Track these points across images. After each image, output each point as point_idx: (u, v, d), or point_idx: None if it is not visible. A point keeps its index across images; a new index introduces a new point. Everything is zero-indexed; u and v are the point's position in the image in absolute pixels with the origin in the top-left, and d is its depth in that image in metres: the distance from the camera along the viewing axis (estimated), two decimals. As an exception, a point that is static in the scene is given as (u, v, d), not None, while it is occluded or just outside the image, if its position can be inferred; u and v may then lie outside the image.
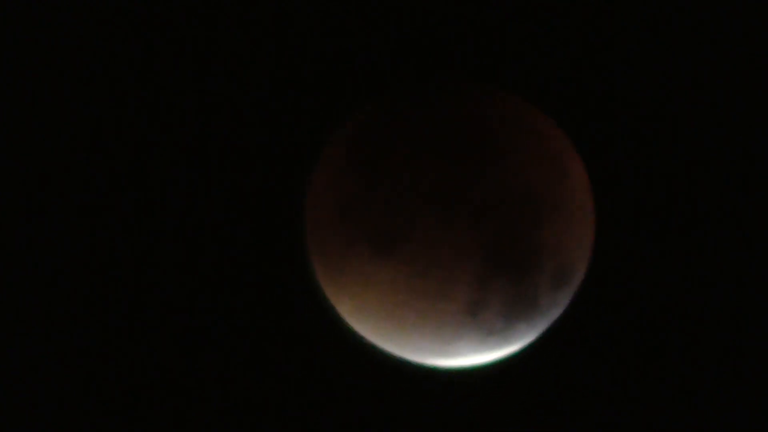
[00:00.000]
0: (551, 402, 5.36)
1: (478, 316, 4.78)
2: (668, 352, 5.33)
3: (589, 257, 5.10)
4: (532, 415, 5.35)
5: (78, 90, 5.08)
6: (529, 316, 4.91)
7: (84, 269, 5.15)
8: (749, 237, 5.26)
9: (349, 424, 5.30)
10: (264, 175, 5.08)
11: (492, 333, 4.88)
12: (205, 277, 5.16)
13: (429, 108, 4.74)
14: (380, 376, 5.25)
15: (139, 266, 5.13)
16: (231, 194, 5.10)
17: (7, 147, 5.03)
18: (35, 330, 5.13)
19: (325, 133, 4.92)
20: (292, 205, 5.04)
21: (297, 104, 5.07)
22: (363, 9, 5.02)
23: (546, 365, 5.33)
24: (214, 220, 5.11)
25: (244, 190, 5.08)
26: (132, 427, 5.21)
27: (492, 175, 4.61)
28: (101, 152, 5.09)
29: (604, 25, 5.20)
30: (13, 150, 5.02)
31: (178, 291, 5.18)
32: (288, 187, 5.07)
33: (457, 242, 4.61)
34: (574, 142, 5.03)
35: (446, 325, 4.80)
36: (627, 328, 5.34)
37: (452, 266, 4.65)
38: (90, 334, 5.19)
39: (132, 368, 5.21)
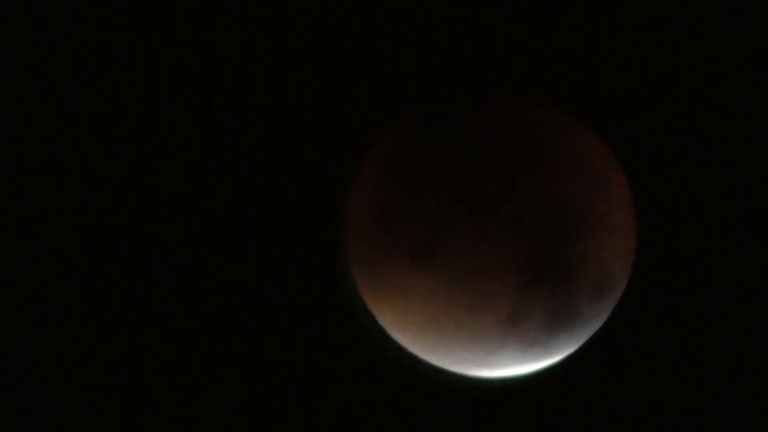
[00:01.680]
0: (592, 412, 5.34)
1: (520, 326, 4.80)
2: (710, 363, 5.30)
3: (631, 268, 5.10)
4: (574, 425, 5.33)
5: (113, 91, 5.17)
6: (571, 327, 4.91)
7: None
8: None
9: (392, 434, 5.32)
10: (303, 186, 5.12)
11: (534, 343, 4.89)
12: (245, 289, 5.20)
13: (469, 117, 4.77)
14: (422, 387, 5.27)
15: (178, 282, 5.19)
16: (269, 206, 5.14)
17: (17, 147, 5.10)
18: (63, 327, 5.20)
19: (366, 142, 4.96)
20: (333, 216, 5.08)
21: (338, 113, 5.10)
22: (405, 19, 5.06)
23: (588, 375, 5.31)
24: (254, 230, 5.16)
25: (284, 202, 5.13)
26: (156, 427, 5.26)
27: (532, 185, 4.64)
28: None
29: (652, 38, 5.20)
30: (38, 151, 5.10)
31: (214, 303, 5.22)
32: (328, 198, 5.11)
33: (497, 252, 4.64)
34: (617, 154, 5.04)
35: (487, 336, 4.82)
36: (669, 339, 5.32)
37: (493, 276, 4.67)
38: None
39: (157, 374, 5.27)
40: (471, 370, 5.10)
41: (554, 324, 4.86)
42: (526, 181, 4.64)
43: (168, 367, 5.20)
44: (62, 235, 5.13)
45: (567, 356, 5.17)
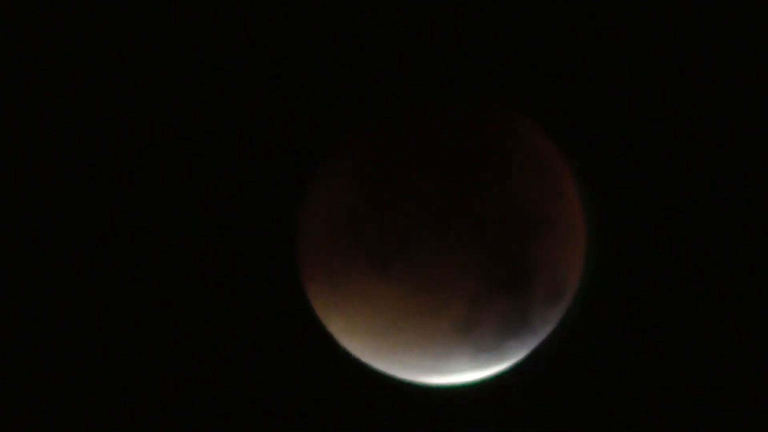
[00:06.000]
0: (541, 419, 5.34)
1: (470, 333, 4.74)
2: (657, 370, 5.34)
3: (580, 276, 5.09)
4: (523, 433, 5.33)
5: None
6: (520, 334, 4.88)
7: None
8: (743, 249, 5.29)
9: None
10: (261, 185, 5.02)
11: (483, 350, 4.85)
12: (194, 288, 5.08)
13: (430, 123, 4.71)
14: (371, 395, 5.20)
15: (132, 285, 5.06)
16: (223, 206, 5.04)
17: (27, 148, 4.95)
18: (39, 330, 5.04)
19: (328, 144, 4.88)
20: (287, 217, 4.98)
21: (299, 115, 5.02)
22: (372, 22, 5.00)
23: (537, 382, 5.31)
24: (205, 228, 5.05)
25: (240, 200, 5.02)
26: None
27: (491, 191, 4.58)
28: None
29: (602, 44, 5.22)
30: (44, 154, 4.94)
31: (165, 305, 5.10)
32: (284, 199, 5.01)
33: (454, 259, 4.57)
34: (570, 159, 5.03)
35: (438, 343, 4.75)
36: (616, 347, 5.34)
37: (447, 284, 4.61)
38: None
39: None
40: (421, 377, 5.03)
41: (504, 331, 4.82)
42: (486, 186, 4.58)
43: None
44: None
45: (516, 363, 5.14)
